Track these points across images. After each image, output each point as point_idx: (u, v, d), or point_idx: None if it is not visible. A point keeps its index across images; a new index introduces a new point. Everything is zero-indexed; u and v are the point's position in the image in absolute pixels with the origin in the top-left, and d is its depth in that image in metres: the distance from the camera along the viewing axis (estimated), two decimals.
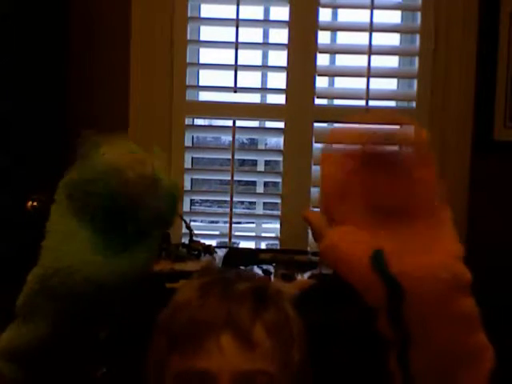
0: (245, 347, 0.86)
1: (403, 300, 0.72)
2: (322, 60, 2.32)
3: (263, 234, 2.50)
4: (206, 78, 2.44)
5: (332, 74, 2.41)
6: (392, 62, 2.39)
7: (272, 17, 2.41)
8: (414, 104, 2.30)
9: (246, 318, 0.87)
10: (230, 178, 2.32)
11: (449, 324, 0.72)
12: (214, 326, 0.86)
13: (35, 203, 1.96)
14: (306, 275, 1.98)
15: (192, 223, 2.25)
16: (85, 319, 0.86)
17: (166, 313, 0.92)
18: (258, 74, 2.43)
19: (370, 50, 2.27)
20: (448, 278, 0.71)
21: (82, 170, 0.92)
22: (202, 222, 2.50)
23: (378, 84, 2.31)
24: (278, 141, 2.45)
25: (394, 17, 2.38)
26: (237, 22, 2.28)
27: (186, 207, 2.36)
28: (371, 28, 2.26)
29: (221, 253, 2.15)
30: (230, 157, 2.32)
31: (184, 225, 2.24)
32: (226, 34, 2.32)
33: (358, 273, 0.74)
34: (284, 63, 2.30)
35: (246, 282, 0.93)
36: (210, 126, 2.51)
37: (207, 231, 2.41)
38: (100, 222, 0.86)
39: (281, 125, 2.33)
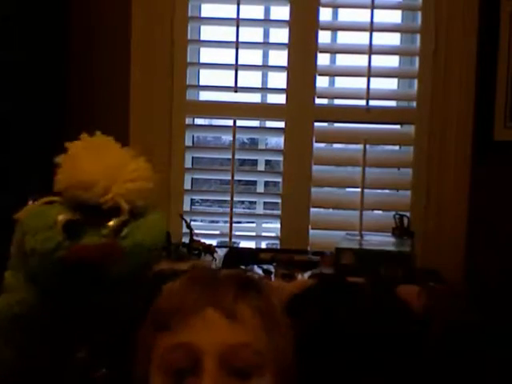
0: (229, 321, 0.87)
1: None
2: (323, 60, 2.32)
3: (263, 234, 2.50)
4: (207, 77, 2.44)
5: (332, 73, 2.40)
6: (392, 61, 2.39)
7: (272, 16, 2.41)
8: (414, 104, 2.30)
9: (230, 297, 0.89)
10: (230, 178, 2.32)
11: None
12: (199, 304, 0.88)
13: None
14: (307, 275, 1.98)
15: (192, 223, 2.25)
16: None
17: (155, 301, 0.94)
18: (258, 74, 2.43)
19: (371, 50, 2.26)
20: None
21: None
22: (202, 221, 2.50)
23: (378, 84, 2.31)
24: (278, 140, 2.45)
25: (395, 16, 2.38)
26: (237, 22, 2.28)
27: (187, 207, 2.36)
28: (372, 28, 2.26)
29: (221, 252, 2.15)
30: (230, 156, 2.32)
31: (184, 224, 2.24)
32: (227, 33, 2.32)
33: None
34: (284, 63, 2.30)
35: (230, 272, 0.96)
36: (211, 126, 2.51)
37: (207, 231, 2.41)
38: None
39: (281, 124, 2.33)
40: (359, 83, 2.30)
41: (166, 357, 0.88)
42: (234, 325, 0.87)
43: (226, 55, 2.32)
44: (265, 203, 2.45)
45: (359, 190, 2.28)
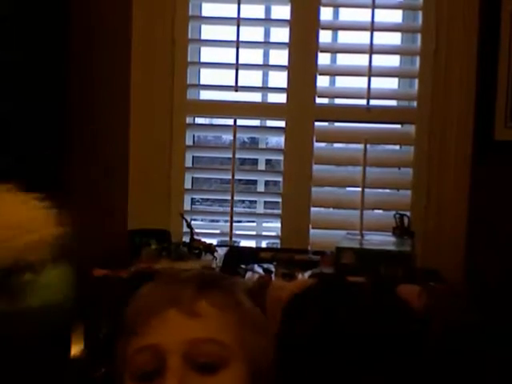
0: (190, 319, 0.88)
1: None
2: (323, 59, 2.32)
3: (264, 233, 2.50)
4: (207, 76, 2.44)
5: (333, 73, 2.40)
6: (393, 61, 2.39)
7: (273, 16, 2.41)
8: (414, 103, 2.30)
9: (189, 295, 0.89)
10: (230, 177, 2.32)
11: None
12: (160, 306, 0.89)
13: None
14: (307, 274, 1.98)
15: (193, 222, 2.25)
16: None
17: (126, 308, 0.96)
18: (259, 73, 2.43)
19: (371, 50, 2.26)
20: None
21: None
22: (202, 220, 2.50)
23: (378, 83, 2.31)
24: (278, 140, 2.45)
25: (395, 16, 2.38)
26: (238, 21, 2.28)
27: (187, 206, 2.36)
28: (372, 27, 2.26)
29: (221, 252, 2.15)
30: (230, 156, 2.32)
31: (185, 224, 2.24)
32: (227, 32, 2.32)
33: None
34: (285, 62, 2.30)
35: (192, 272, 0.98)
36: (211, 125, 2.51)
37: (208, 230, 2.41)
38: None
39: (282, 124, 2.33)
40: (360, 83, 2.29)
41: (132, 361, 0.88)
42: (195, 322, 0.88)
43: (227, 54, 2.32)
44: (265, 202, 2.46)
45: (359, 189, 2.28)
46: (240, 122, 2.33)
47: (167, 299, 0.89)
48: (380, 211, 2.38)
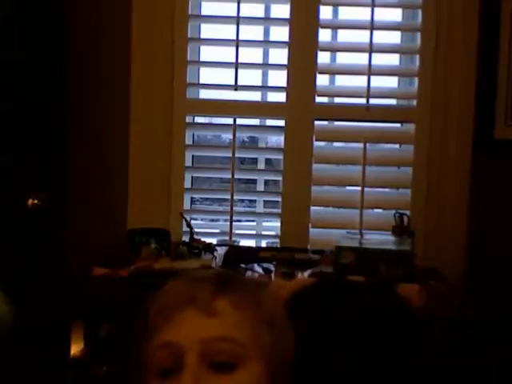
0: (208, 317, 0.89)
1: None
2: (323, 58, 2.32)
3: (263, 232, 2.50)
4: (207, 75, 2.43)
5: (333, 71, 2.40)
6: (393, 60, 2.39)
7: (273, 14, 2.40)
8: (414, 102, 2.30)
9: (207, 294, 0.91)
10: (230, 176, 2.32)
11: None
12: (180, 304, 0.90)
13: (35, 201, 1.97)
14: (307, 273, 1.98)
15: (192, 221, 2.25)
16: None
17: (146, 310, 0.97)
18: (258, 72, 2.43)
19: (371, 48, 2.26)
20: None
21: None
22: (202, 220, 2.50)
23: (378, 82, 2.30)
24: (278, 139, 2.45)
25: (395, 15, 2.38)
26: (237, 20, 2.28)
27: (187, 205, 2.36)
28: (372, 26, 2.26)
29: (221, 251, 2.15)
30: (230, 155, 2.32)
31: (184, 223, 2.24)
32: (227, 31, 2.31)
33: None
34: (285, 61, 2.30)
35: (210, 272, 1.01)
36: (211, 124, 2.51)
37: (208, 229, 2.41)
38: None
39: (281, 123, 2.33)
40: (359, 81, 2.29)
41: (151, 358, 0.90)
42: (213, 320, 0.89)
43: (227, 53, 2.32)
44: (265, 202, 2.46)
45: (359, 188, 2.28)
46: (240, 121, 2.33)
47: (186, 298, 0.90)
48: (380, 210, 2.38)
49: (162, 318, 0.91)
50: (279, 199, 2.33)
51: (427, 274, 2.00)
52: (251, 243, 2.42)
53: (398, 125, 2.39)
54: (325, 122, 2.38)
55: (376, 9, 2.26)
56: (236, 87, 2.31)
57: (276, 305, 0.98)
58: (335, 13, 2.39)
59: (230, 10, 2.30)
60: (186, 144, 2.33)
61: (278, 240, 2.34)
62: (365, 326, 1.70)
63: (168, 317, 0.90)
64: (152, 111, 2.28)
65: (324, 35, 2.31)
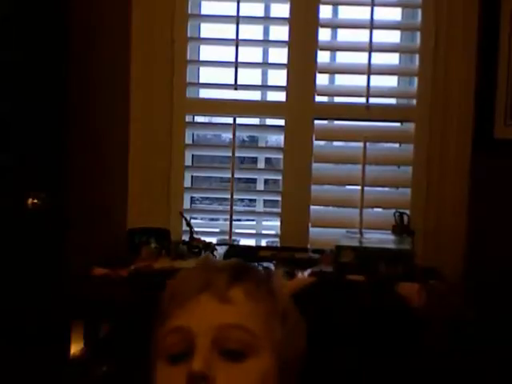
0: (222, 304, 0.89)
1: None
2: (323, 57, 2.32)
3: (263, 232, 2.50)
4: (207, 75, 2.43)
5: (332, 71, 2.40)
6: (392, 59, 2.39)
7: (272, 14, 2.40)
8: (414, 102, 2.30)
9: (223, 282, 0.91)
10: (230, 176, 2.32)
11: None
12: (194, 290, 0.91)
13: (35, 200, 1.97)
14: (306, 273, 1.98)
15: (192, 221, 2.25)
16: None
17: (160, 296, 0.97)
18: (258, 72, 2.43)
19: (371, 48, 2.26)
20: None
21: None
22: (202, 219, 2.51)
23: (378, 81, 2.31)
24: (278, 138, 2.45)
25: (395, 14, 2.38)
26: (237, 19, 2.28)
27: (187, 205, 2.36)
28: (372, 25, 2.26)
29: (221, 250, 2.15)
30: (230, 154, 2.32)
31: (184, 222, 2.24)
32: (227, 31, 2.31)
33: None
34: (284, 60, 2.30)
35: (228, 261, 0.99)
36: (211, 124, 2.51)
37: (207, 229, 2.41)
38: None
39: (281, 122, 2.33)
40: (359, 81, 2.29)
41: (163, 342, 0.90)
42: (227, 308, 0.89)
43: (226, 53, 2.32)
44: (265, 201, 2.46)
45: (359, 187, 2.28)
46: (239, 120, 2.33)
47: (201, 284, 0.91)
48: (380, 209, 2.38)
49: (174, 304, 0.91)
50: (279, 198, 2.33)
51: (427, 273, 2.01)
52: (251, 242, 2.42)
53: (398, 124, 2.39)
54: (324, 122, 2.38)
55: (376, 8, 2.26)
56: (236, 86, 2.31)
57: (290, 300, 0.98)
58: (335, 12, 2.39)
59: (229, 9, 2.30)
60: (185, 143, 2.33)
61: (277, 239, 2.34)
62: (365, 325, 1.70)
63: (181, 303, 0.90)
64: (152, 111, 2.28)
65: (324, 34, 2.31)
